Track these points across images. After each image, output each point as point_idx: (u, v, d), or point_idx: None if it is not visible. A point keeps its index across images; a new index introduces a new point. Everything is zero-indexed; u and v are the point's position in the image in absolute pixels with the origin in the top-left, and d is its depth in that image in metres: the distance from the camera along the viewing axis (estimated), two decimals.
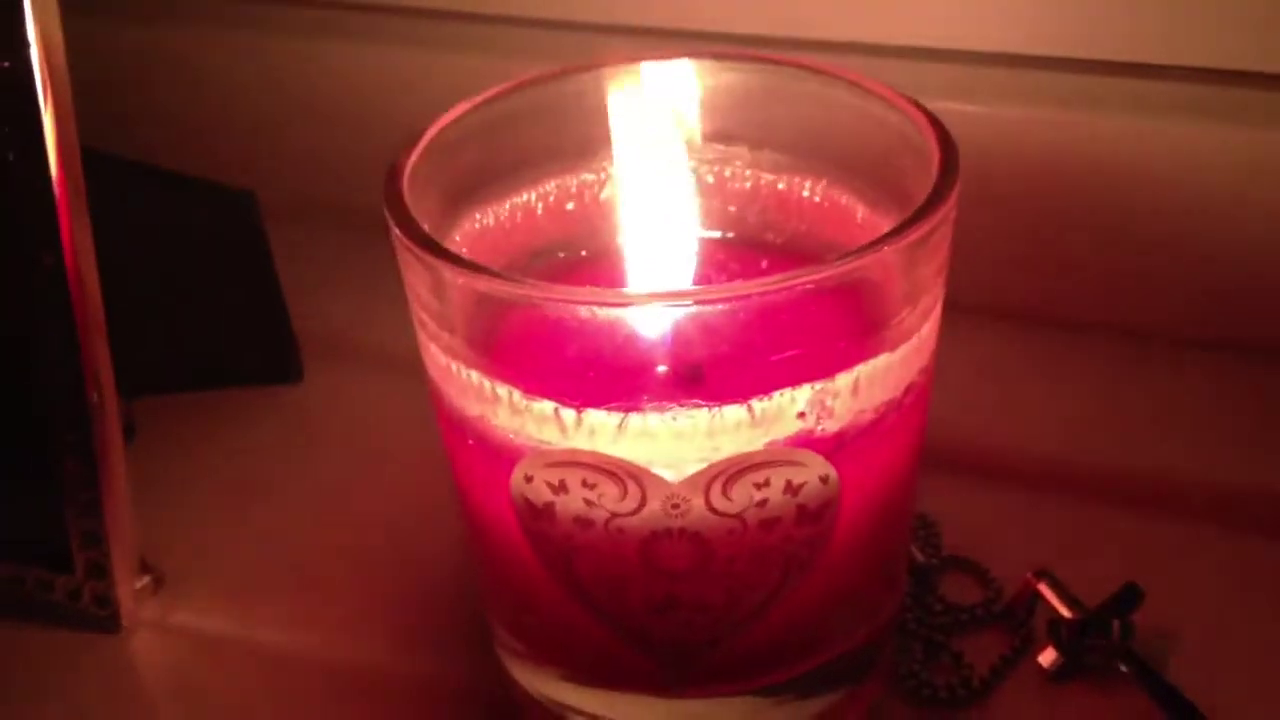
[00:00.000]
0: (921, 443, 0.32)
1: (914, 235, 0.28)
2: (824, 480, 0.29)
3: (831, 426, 0.28)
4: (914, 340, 0.29)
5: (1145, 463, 0.41)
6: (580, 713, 0.33)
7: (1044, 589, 0.36)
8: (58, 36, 0.35)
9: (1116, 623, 0.35)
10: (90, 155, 0.36)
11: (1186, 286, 0.45)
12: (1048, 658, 0.35)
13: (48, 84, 0.35)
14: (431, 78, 0.50)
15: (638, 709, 0.33)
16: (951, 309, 0.31)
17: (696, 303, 0.27)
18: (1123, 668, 0.34)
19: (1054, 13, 0.44)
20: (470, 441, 0.30)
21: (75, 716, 0.37)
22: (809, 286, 0.27)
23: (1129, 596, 0.35)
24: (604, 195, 0.35)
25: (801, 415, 0.28)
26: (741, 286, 0.27)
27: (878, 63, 0.46)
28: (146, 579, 0.39)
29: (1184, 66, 0.43)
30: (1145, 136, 0.44)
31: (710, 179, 0.35)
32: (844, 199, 0.34)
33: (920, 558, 0.38)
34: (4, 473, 0.39)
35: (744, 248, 0.35)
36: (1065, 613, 0.35)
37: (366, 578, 0.39)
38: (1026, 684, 0.35)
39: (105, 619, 0.38)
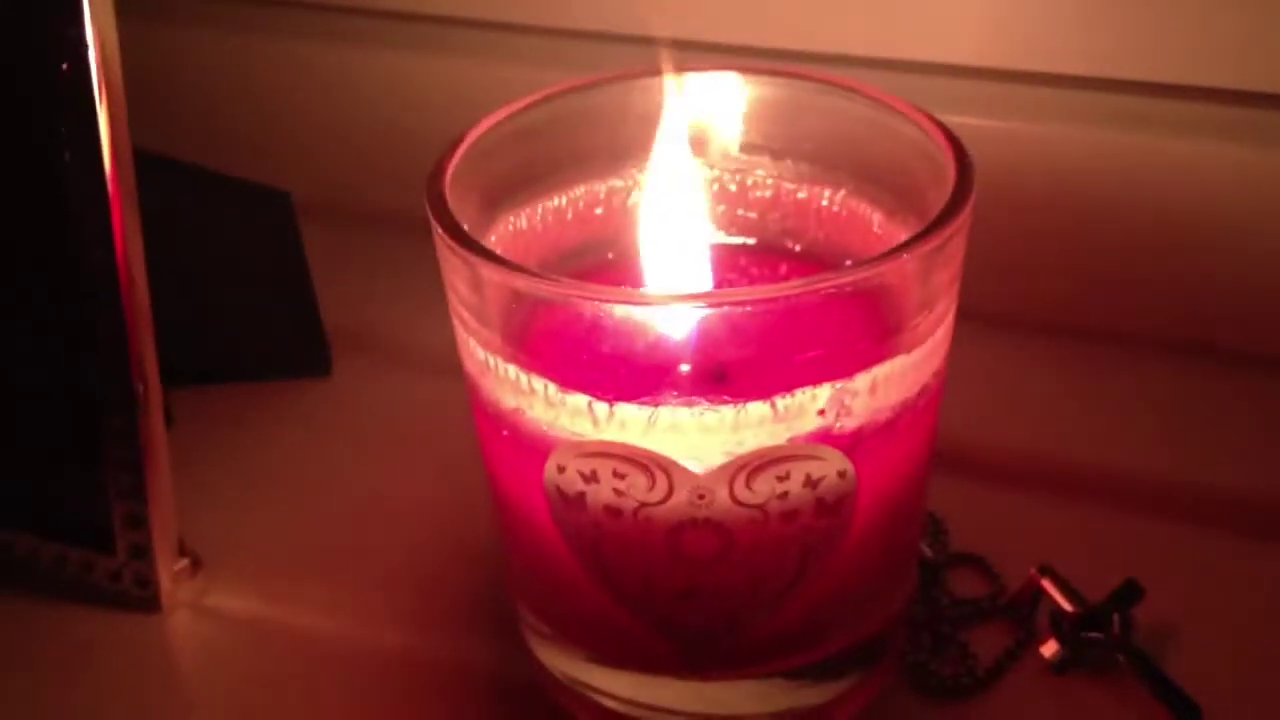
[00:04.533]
0: (934, 442, 0.33)
1: (931, 243, 0.29)
2: (842, 475, 0.30)
3: (850, 424, 0.30)
4: (929, 343, 0.31)
5: (1147, 464, 0.42)
6: (604, 693, 0.34)
7: (1047, 584, 0.37)
8: (114, 39, 0.36)
9: (1117, 617, 0.36)
10: (135, 153, 0.37)
11: (1193, 294, 0.46)
12: (1050, 649, 0.36)
13: (103, 85, 0.36)
14: (463, 86, 0.51)
15: (659, 690, 0.34)
16: (960, 315, 0.32)
17: (726, 304, 0.28)
18: (1122, 660, 0.35)
19: (1070, 31, 0.45)
20: (505, 433, 0.31)
21: (114, 693, 0.38)
22: (831, 291, 0.28)
23: (1129, 592, 0.36)
24: (631, 201, 0.36)
25: (822, 413, 0.29)
26: (767, 290, 0.28)
27: (897, 77, 0.47)
28: (184, 561, 0.40)
29: (1194, 86, 0.45)
30: (1152, 152, 0.45)
31: (733, 187, 0.37)
32: (862, 208, 0.35)
33: (929, 554, 0.39)
34: (51, 457, 0.41)
35: (764, 253, 0.37)
36: (1067, 607, 0.36)
37: (395, 562, 0.41)
38: (1029, 675, 0.36)
39: (145, 599, 0.39)
